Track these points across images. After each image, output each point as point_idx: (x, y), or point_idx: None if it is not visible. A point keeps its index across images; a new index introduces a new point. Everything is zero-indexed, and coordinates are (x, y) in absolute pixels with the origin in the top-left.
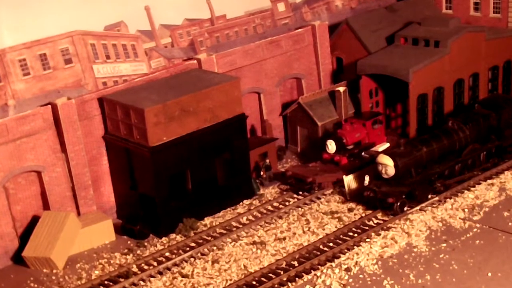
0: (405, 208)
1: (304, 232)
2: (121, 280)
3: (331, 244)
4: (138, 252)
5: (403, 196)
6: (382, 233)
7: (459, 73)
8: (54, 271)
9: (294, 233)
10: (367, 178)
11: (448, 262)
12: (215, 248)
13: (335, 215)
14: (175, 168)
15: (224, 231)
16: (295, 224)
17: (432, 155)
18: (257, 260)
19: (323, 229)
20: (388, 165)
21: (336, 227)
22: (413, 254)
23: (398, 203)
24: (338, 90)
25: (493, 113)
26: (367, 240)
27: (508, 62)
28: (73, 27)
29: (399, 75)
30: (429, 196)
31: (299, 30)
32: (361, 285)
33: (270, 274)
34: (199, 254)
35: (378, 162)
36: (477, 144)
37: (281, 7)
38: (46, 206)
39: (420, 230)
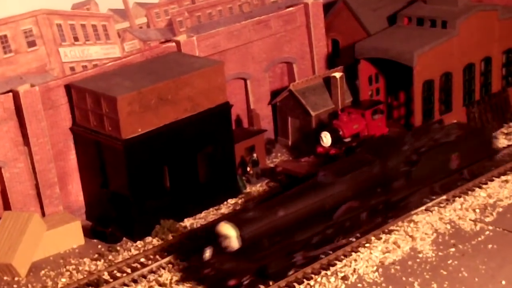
0: None
1: None
2: None
3: None
4: (110, 257)
5: (252, 274)
6: (383, 237)
7: (469, 57)
8: (16, 278)
9: None
10: (208, 251)
11: (457, 269)
12: None
13: None
14: (151, 164)
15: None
16: None
17: (292, 220)
18: None
19: None
20: (231, 236)
21: None
22: (418, 260)
23: (244, 284)
24: (334, 76)
25: (378, 159)
26: (367, 245)
27: None
28: (37, 6)
29: (402, 59)
30: (290, 273)
31: (290, 8)
32: None
33: None
34: (178, 260)
35: (218, 233)
36: (356, 201)
37: None
38: (6, 205)
39: (425, 233)
